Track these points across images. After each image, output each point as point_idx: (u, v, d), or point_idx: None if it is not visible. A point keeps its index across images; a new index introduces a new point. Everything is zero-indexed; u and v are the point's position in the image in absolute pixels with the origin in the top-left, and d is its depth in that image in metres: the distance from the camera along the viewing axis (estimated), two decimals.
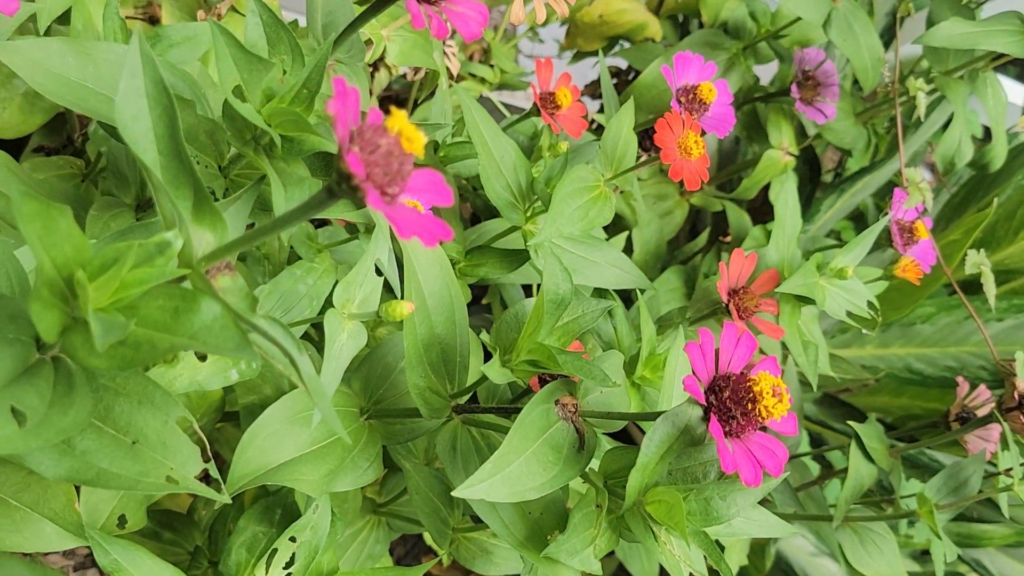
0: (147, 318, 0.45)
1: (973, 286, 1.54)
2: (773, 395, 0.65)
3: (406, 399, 0.89)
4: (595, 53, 1.72)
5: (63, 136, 1.08)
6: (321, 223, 1.02)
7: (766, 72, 1.70)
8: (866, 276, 1.26)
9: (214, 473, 0.61)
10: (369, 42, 1.01)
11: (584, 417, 0.76)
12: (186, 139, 0.50)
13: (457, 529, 0.98)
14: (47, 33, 0.83)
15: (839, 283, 1.20)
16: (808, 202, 1.81)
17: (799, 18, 1.41)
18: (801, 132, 1.61)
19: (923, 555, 1.75)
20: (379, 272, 0.79)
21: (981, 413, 1.28)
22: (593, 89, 1.80)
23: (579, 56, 1.78)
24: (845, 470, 1.26)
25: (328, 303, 0.78)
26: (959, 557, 1.55)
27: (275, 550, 0.81)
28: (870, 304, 1.23)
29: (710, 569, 0.74)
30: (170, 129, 0.48)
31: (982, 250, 1.40)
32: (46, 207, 0.42)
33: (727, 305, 1.16)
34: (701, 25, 1.62)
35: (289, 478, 0.78)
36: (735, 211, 1.62)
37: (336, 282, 0.86)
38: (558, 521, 0.81)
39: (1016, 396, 1.16)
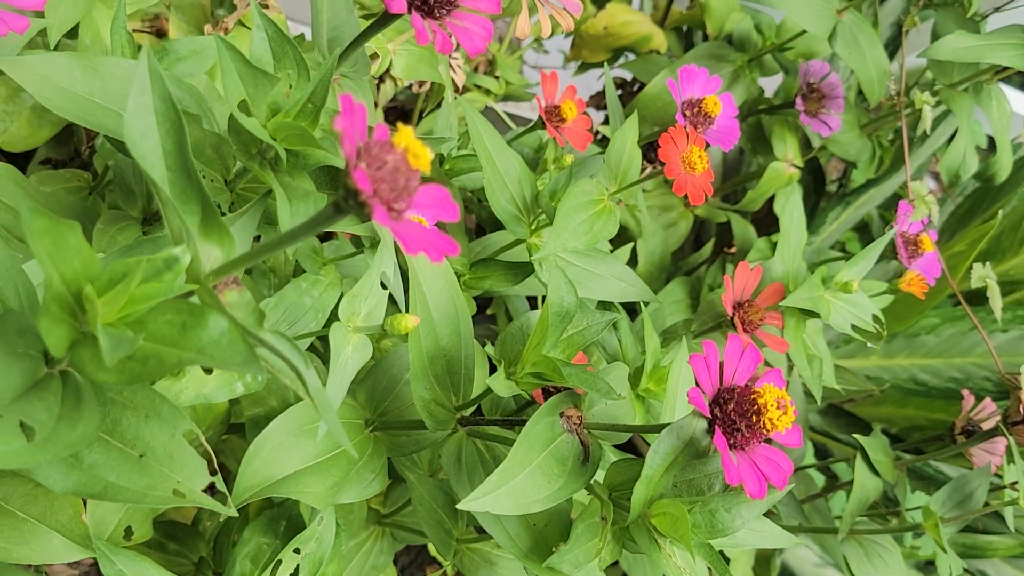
0: (155, 333, 0.45)
1: (978, 297, 1.54)
2: (777, 407, 0.65)
3: (411, 411, 0.90)
4: (600, 64, 1.73)
5: (70, 148, 1.09)
6: (327, 236, 1.02)
7: (771, 84, 1.70)
8: (871, 289, 1.26)
9: (220, 486, 0.61)
10: (375, 55, 1.01)
11: (589, 429, 0.76)
12: (192, 153, 0.50)
13: (461, 540, 0.98)
14: (56, 46, 0.84)
15: (844, 297, 1.20)
16: (813, 212, 1.81)
17: (804, 31, 1.42)
18: (806, 143, 1.61)
19: (928, 565, 1.74)
20: (384, 285, 0.79)
21: (986, 426, 1.28)
22: (598, 100, 1.80)
23: (584, 67, 1.78)
24: (850, 482, 1.26)
25: (333, 316, 0.79)
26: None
27: (279, 561, 0.81)
28: (875, 317, 1.23)
29: None
30: (178, 145, 0.49)
31: (987, 263, 1.40)
32: (55, 224, 0.42)
33: (732, 318, 1.16)
34: (706, 37, 1.62)
35: (294, 490, 0.78)
36: (740, 223, 1.62)
37: (341, 295, 0.86)
38: (562, 532, 0.81)
39: (1021, 409, 1.16)
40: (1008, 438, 1.15)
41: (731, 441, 0.67)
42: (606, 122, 1.72)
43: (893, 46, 1.78)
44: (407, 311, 0.82)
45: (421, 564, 1.55)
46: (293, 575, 0.81)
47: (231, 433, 1.00)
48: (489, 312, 1.45)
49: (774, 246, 1.37)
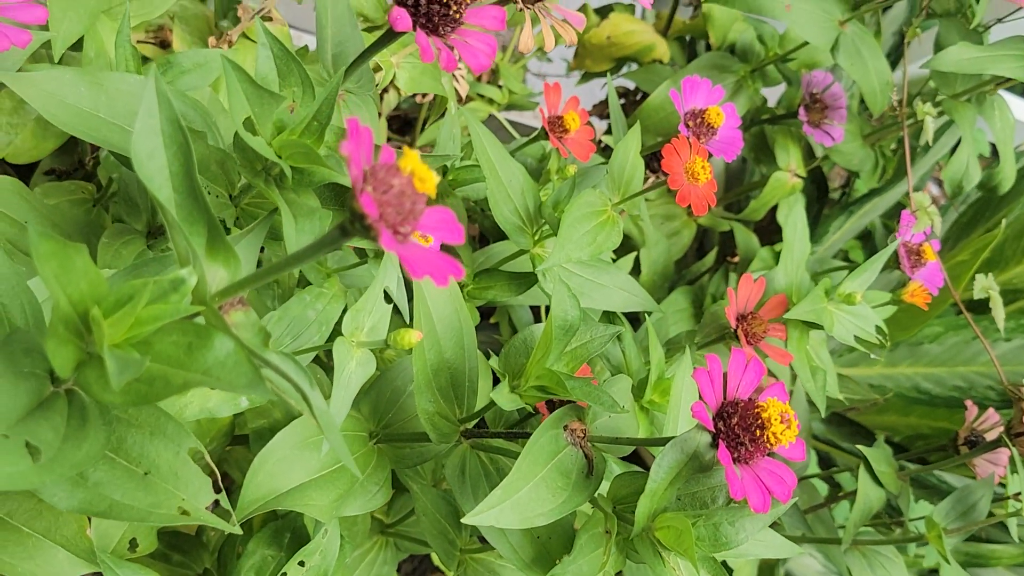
0: (161, 354, 0.45)
1: (981, 305, 1.54)
2: (781, 421, 0.65)
3: (415, 423, 0.90)
4: (603, 74, 1.73)
5: (74, 159, 1.09)
6: None
7: (773, 94, 1.70)
8: (874, 300, 1.26)
9: (225, 504, 0.62)
10: (378, 68, 1.02)
11: (593, 442, 0.76)
12: (198, 170, 0.50)
13: (465, 550, 0.98)
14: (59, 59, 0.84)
15: (847, 308, 1.20)
16: (816, 221, 1.81)
17: (807, 42, 1.42)
18: (809, 153, 1.62)
19: (931, 574, 1.74)
20: (388, 299, 0.79)
21: (990, 437, 1.28)
22: (601, 109, 1.81)
23: (587, 76, 1.78)
24: (854, 492, 1.26)
25: (338, 328, 0.79)
26: None
27: (284, 574, 0.82)
28: (878, 329, 1.23)
29: None
30: (185, 167, 0.49)
31: (990, 274, 1.40)
32: (62, 246, 0.42)
33: (735, 331, 1.16)
34: (708, 47, 1.63)
35: (299, 503, 0.78)
36: (743, 232, 1.62)
37: (345, 307, 0.86)
38: (565, 543, 0.81)
39: None
40: (1011, 449, 1.15)
41: (735, 455, 0.67)
42: (609, 131, 1.73)
43: (895, 55, 1.78)
44: (411, 322, 0.82)
45: (424, 573, 1.56)
46: None
47: (235, 444, 1.00)
48: (492, 321, 1.45)
49: (777, 255, 1.37)
